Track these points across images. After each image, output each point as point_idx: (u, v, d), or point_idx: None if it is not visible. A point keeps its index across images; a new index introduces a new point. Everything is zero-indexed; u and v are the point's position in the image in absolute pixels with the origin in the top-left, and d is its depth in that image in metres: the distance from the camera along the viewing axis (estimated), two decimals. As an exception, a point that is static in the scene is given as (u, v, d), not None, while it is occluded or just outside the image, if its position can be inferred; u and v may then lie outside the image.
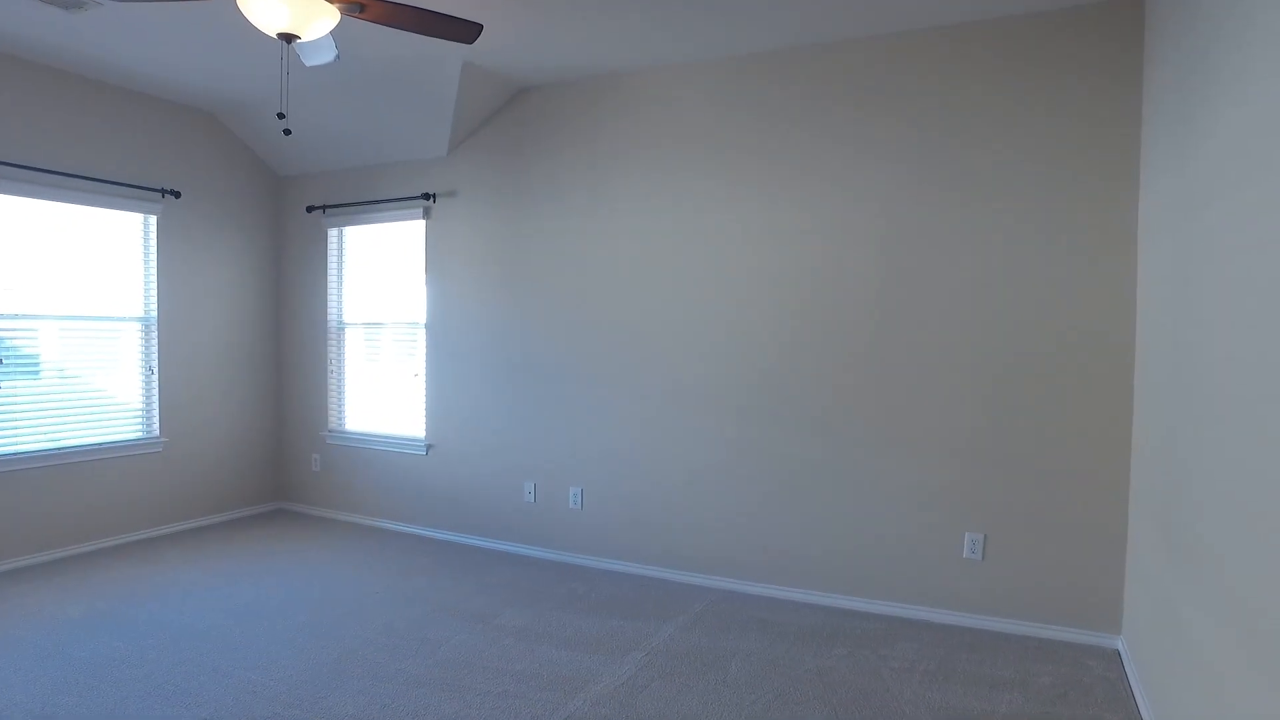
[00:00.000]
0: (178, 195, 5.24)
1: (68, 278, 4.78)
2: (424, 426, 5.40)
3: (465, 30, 3.30)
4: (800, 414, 4.16)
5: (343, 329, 5.79)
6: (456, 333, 5.22)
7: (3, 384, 4.48)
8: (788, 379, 4.19)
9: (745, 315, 4.29)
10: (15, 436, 4.55)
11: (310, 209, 5.76)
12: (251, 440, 5.88)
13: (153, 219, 5.19)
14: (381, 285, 5.62)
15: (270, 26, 2.93)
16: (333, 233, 5.80)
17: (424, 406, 5.40)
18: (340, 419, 5.82)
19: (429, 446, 5.34)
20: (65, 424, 4.79)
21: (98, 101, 4.85)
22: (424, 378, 5.42)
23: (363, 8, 3.16)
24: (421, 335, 5.43)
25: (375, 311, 5.65)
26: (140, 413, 5.19)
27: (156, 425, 5.24)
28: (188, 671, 3.23)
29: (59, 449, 4.72)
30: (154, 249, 5.19)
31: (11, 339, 4.56)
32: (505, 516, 5.07)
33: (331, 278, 5.80)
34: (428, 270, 5.33)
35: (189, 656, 3.37)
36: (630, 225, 4.59)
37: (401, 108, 4.98)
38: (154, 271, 5.20)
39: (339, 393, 5.82)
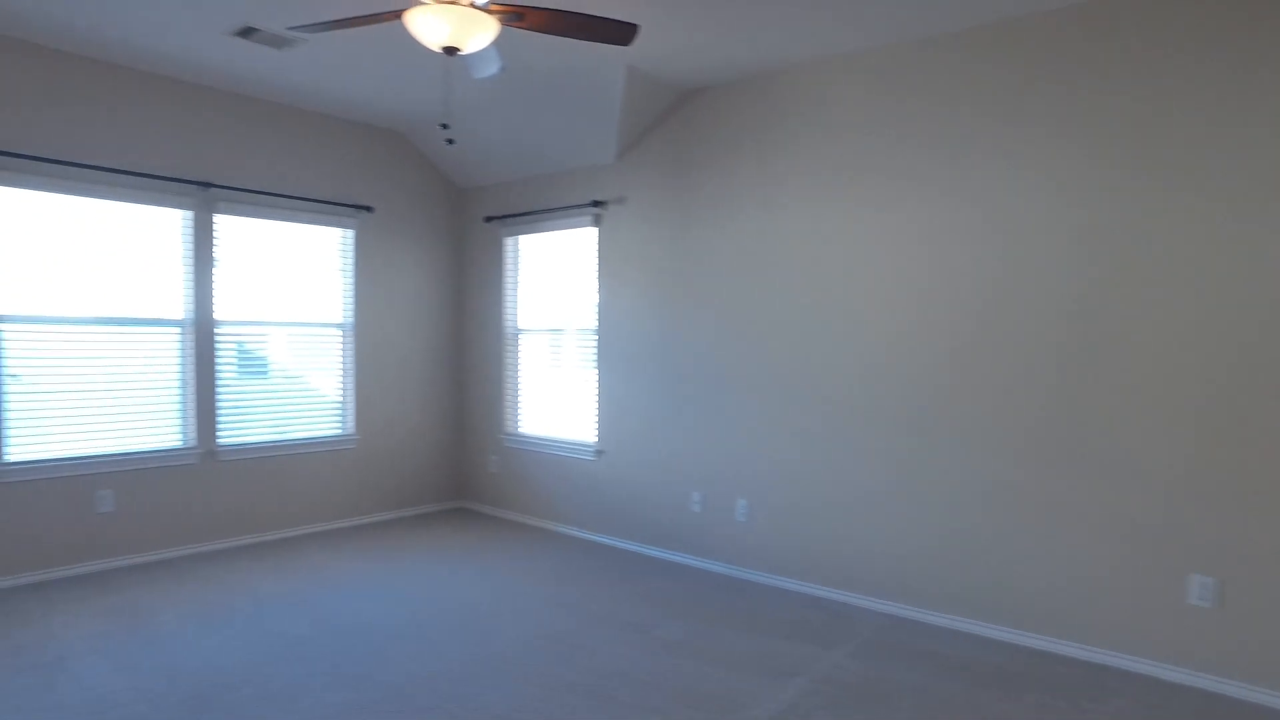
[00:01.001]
0: (371, 210, 5.65)
1: (286, 288, 5.28)
2: (594, 432, 5.46)
3: (621, 32, 3.26)
4: (983, 431, 3.75)
5: (518, 335, 5.98)
6: (626, 339, 5.23)
7: (240, 382, 5.02)
8: (968, 393, 3.79)
9: (923, 321, 3.93)
10: (243, 429, 5.08)
11: (488, 219, 6.01)
12: (435, 440, 6.22)
13: (350, 233, 5.62)
14: (555, 292, 5.75)
15: (433, 41, 3.04)
16: (508, 241, 6.02)
17: (594, 412, 5.46)
18: (516, 422, 6.01)
19: (599, 452, 5.39)
20: (282, 419, 5.29)
21: (304, 127, 5.33)
22: (595, 383, 5.47)
23: (520, 16, 3.20)
24: (593, 341, 5.49)
25: (549, 318, 5.79)
26: (339, 411, 5.63)
27: (352, 423, 5.67)
28: (360, 656, 3.40)
29: (277, 441, 5.23)
30: (351, 260, 5.63)
31: (247, 342, 5.10)
32: (670, 525, 4.99)
33: (507, 285, 6.02)
34: (599, 277, 5.38)
35: (362, 642, 3.55)
36: (800, 227, 4.37)
37: (569, 116, 5.07)
38: (351, 281, 5.63)
39: (514, 397, 6.02)
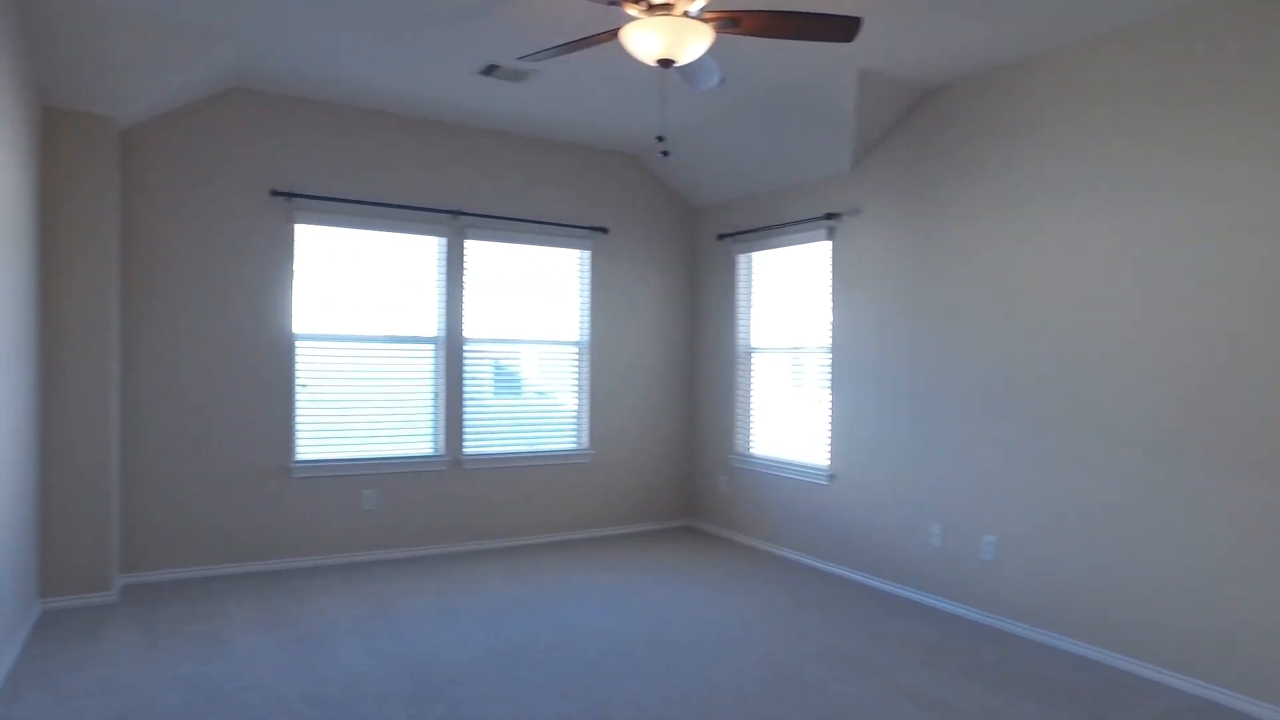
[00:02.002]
0: (606, 231, 5.83)
1: (527, 307, 5.61)
2: (826, 455, 5.17)
3: (844, 28, 3.05)
4: (1318, 466, 2.99)
5: (750, 353, 5.85)
6: (861, 357, 4.90)
7: (484, 395, 5.41)
8: (1296, 417, 3.05)
9: (1203, 338, 3.24)
10: (487, 439, 5.45)
11: (720, 236, 5.97)
12: (666, 458, 6.25)
13: (586, 253, 5.85)
14: (788, 310, 5.56)
15: (648, 55, 3.03)
16: (741, 259, 5.92)
17: (827, 434, 5.17)
18: (747, 442, 5.87)
19: (831, 476, 5.09)
20: (521, 432, 5.60)
21: (543, 155, 5.64)
22: (828, 404, 5.19)
23: (735, 22, 3.11)
24: (827, 360, 5.22)
25: (782, 336, 5.60)
26: (574, 426, 5.84)
27: (587, 438, 5.86)
28: (576, 667, 3.43)
29: (516, 453, 5.53)
30: (587, 280, 5.84)
31: (491, 358, 5.48)
32: (907, 559, 4.57)
33: (740, 303, 5.92)
34: (833, 291, 5.12)
35: (581, 654, 3.58)
36: (1058, 232, 3.82)
37: (799, 127, 4.88)
38: (587, 300, 5.85)
39: (746, 416, 5.88)
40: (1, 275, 3.29)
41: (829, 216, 5.05)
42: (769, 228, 5.54)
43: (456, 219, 5.30)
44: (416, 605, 4.22)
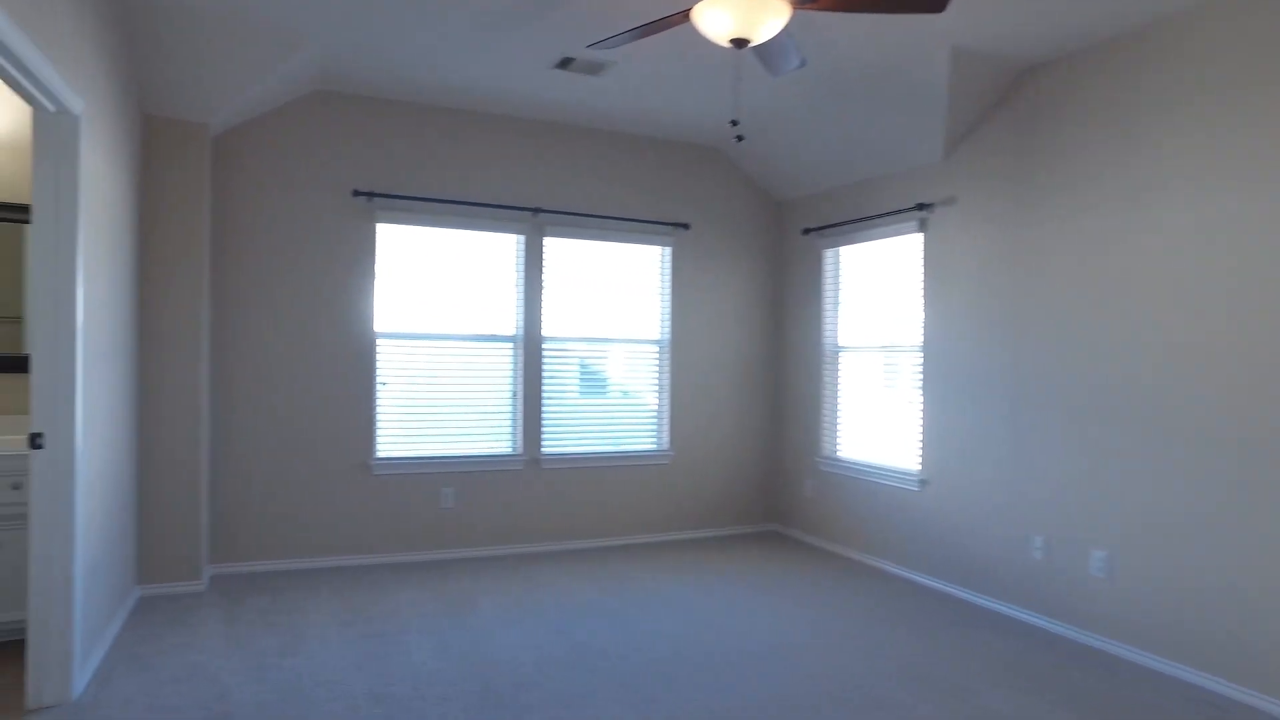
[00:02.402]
0: (687, 227, 5.69)
1: (606, 305, 5.53)
2: (918, 459, 4.88)
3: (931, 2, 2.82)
4: None
5: (837, 352, 5.60)
6: (956, 356, 4.60)
7: (562, 394, 5.36)
8: None
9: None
10: (564, 439, 5.39)
11: (805, 231, 5.74)
12: (749, 460, 6.05)
13: (667, 250, 5.72)
14: (876, 306, 5.28)
15: (720, 35, 2.88)
16: (827, 254, 5.68)
17: (918, 437, 4.89)
18: (833, 445, 5.62)
19: (922, 482, 4.80)
20: (600, 432, 5.52)
21: (622, 150, 5.55)
22: (920, 405, 4.90)
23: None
24: (918, 359, 4.93)
25: (870, 334, 5.33)
26: (654, 426, 5.73)
27: (667, 438, 5.73)
28: (650, 675, 3.30)
29: (595, 453, 5.46)
30: (668, 277, 5.72)
31: (570, 357, 5.43)
32: (1005, 573, 4.25)
33: (826, 300, 5.68)
34: (924, 288, 4.83)
35: (655, 661, 3.45)
36: (1179, 222, 3.45)
37: (888, 113, 4.62)
38: (667, 297, 5.72)
39: (832, 418, 5.63)
40: (107, 280, 3.43)
41: (920, 207, 4.76)
42: (856, 221, 5.28)
43: (535, 216, 5.27)
44: (490, 606, 4.18)
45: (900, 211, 4.93)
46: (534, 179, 5.28)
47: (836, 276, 5.63)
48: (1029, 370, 4.14)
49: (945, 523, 4.63)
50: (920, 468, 4.83)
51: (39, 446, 2.94)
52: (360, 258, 4.84)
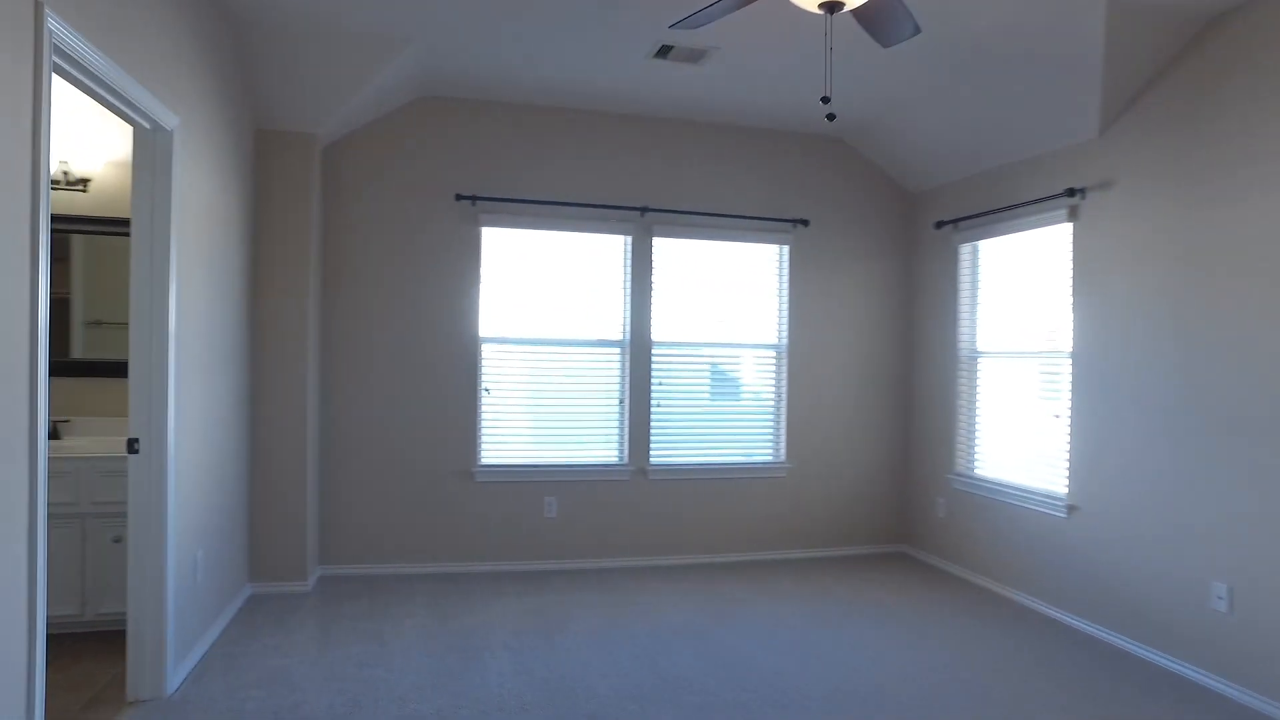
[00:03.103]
0: (806, 224, 5.30)
1: (719, 308, 5.23)
2: (1065, 481, 4.27)
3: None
4: None
5: (975, 358, 5.02)
6: (1111, 364, 3.97)
7: (672, 402, 5.13)
8: None
9: None
10: (674, 448, 5.16)
11: (939, 224, 5.19)
12: (876, 475, 5.57)
13: (785, 248, 5.35)
14: (1019, 307, 4.69)
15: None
16: (964, 249, 5.11)
17: (1066, 456, 4.27)
18: (969, 461, 5.05)
19: (1070, 508, 4.18)
20: (711, 442, 5.24)
21: (733, 143, 5.24)
22: (1067, 420, 4.29)
23: None
24: (1066, 366, 4.32)
25: (1011, 338, 4.74)
26: (770, 437, 5.37)
27: (784, 450, 5.36)
28: (742, 715, 3.00)
29: (705, 464, 5.19)
30: (785, 277, 5.35)
31: (680, 363, 5.18)
32: (1175, 623, 3.59)
33: (963, 300, 5.11)
34: (1074, 285, 4.22)
35: (744, 700, 3.14)
36: None
37: (1030, 85, 4.06)
38: (785, 299, 5.35)
39: (969, 431, 5.06)
40: (210, 289, 3.56)
41: (1070, 193, 4.15)
42: (995, 211, 4.71)
43: (643, 216, 5.06)
44: (580, 624, 4.01)
45: (1046, 199, 4.33)
46: (641, 177, 5.08)
47: (974, 274, 5.06)
48: (1201, 382, 3.48)
49: (1099, 557, 4.00)
50: (1067, 491, 4.22)
51: (135, 451, 3.04)
52: (464, 262, 4.82)
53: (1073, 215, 4.23)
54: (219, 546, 3.74)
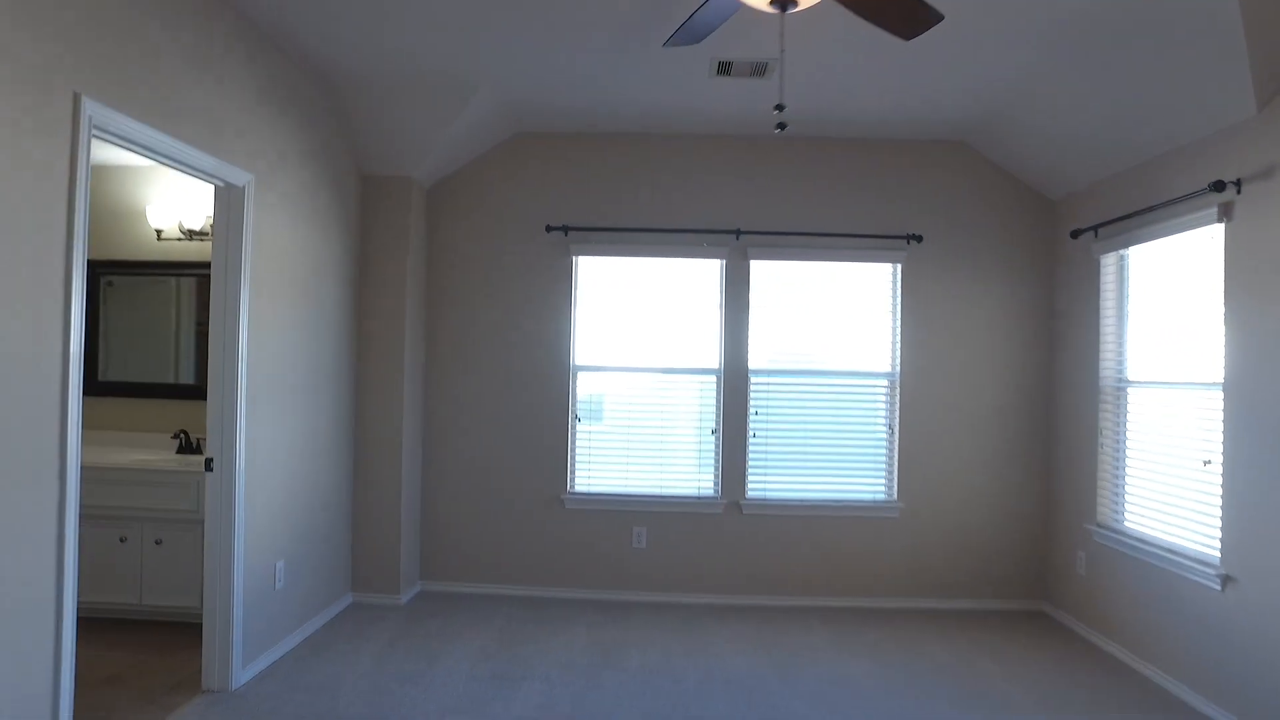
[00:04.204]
0: (919, 240, 4.82)
1: (822, 334, 4.91)
2: (1217, 544, 3.48)
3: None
4: None
5: (1123, 388, 4.26)
6: (1276, 399, 3.20)
7: (769, 433, 4.88)
8: None
9: None
10: (771, 482, 4.90)
11: (1075, 233, 4.48)
12: (1004, 520, 4.88)
13: (895, 267, 4.90)
14: (1173, 325, 3.92)
15: (759, -1, 2.32)
16: (1106, 259, 4.38)
17: (1218, 513, 3.48)
18: (1115, 511, 4.27)
19: (1224, 578, 3.39)
20: (813, 476, 4.89)
21: (831, 156, 4.91)
22: (1219, 466, 3.51)
23: None
24: (1217, 400, 3.54)
25: (1164, 364, 3.97)
26: (879, 473, 4.91)
27: (895, 488, 4.87)
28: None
29: (805, 500, 4.86)
30: (899, 300, 4.89)
31: (779, 392, 4.90)
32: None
33: (1106, 320, 4.37)
34: (1227, 300, 3.46)
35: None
36: None
37: (1167, 65, 3.41)
38: (896, 323, 4.89)
39: (1114, 476, 4.29)
40: (314, 324, 4.00)
41: (1217, 187, 3.42)
42: (1136, 214, 3.99)
43: (738, 239, 4.88)
44: (634, 661, 3.90)
45: (1187, 197, 3.60)
46: (734, 198, 4.91)
47: (1121, 288, 4.31)
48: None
49: (1261, 645, 3.20)
50: (1220, 557, 3.43)
51: (210, 469, 3.46)
52: (558, 291, 4.94)
53: (1224, 214, 3.47)
54: (308, 557, 4.11)
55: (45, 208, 2.44)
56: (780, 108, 2.42)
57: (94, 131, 2.64)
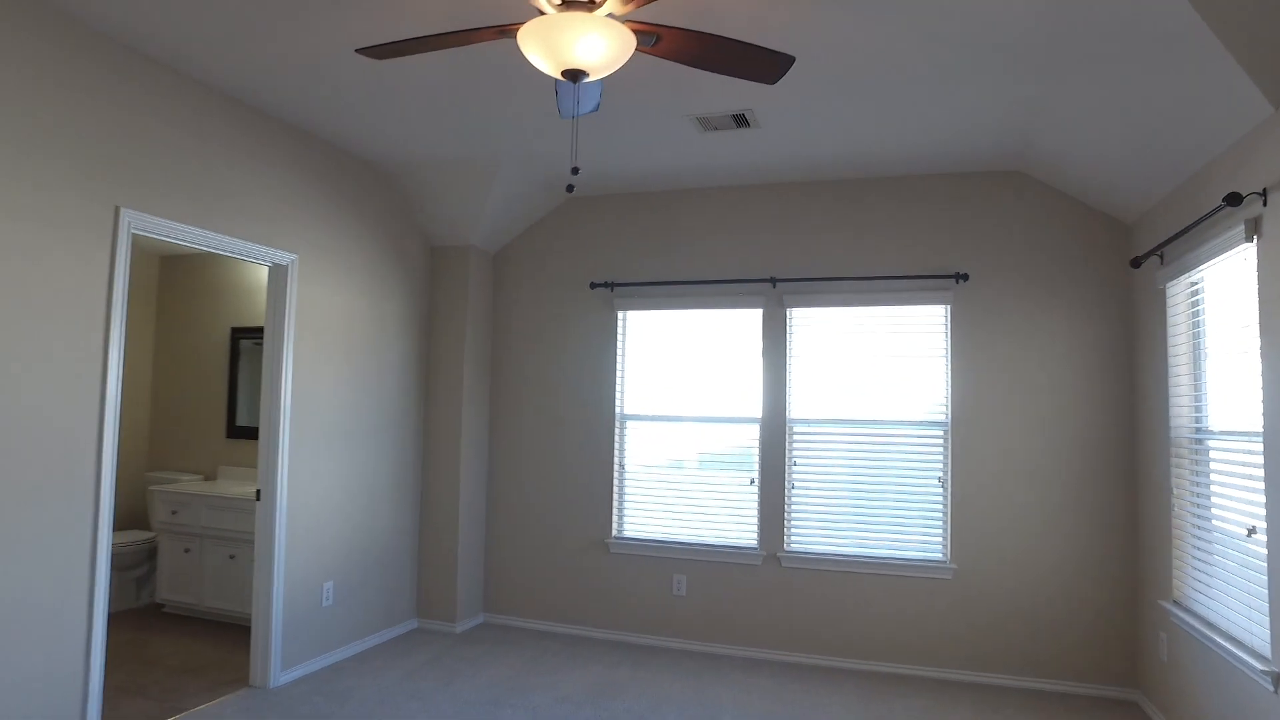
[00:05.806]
0: (965, 278, 4.42)
1: (867, 381, 4.65)
2: (1265, 630, 2.82)
3: (771, 67, 2.21)
4: None
5: (1201, 440, 3.56)
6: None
7: (811, 485, 4.70)
8: None
9: None
10: (812, 536, 4.69)
11: (1135, 262, 3.86)
12: (1080, 591, 4.19)
13: (945, 309, 4.52)
14: (1239, 363, 3.26)
15: (555, 62, 2.42)
16: (1169, 290, 3.72)
17: (1265, 596, 2.83)
18: (1191, 588, 3.55)
19: (1276, 677, 2.75)
20: (857, 532, 4.60)
21: (869, 197, 4.66)
22: (1262, 537, 2.87)
23: (657, 38, 2.39)
24: (1258, 453, 2.91)
25: (1234, 409, 3.29)
26: (930, 531, 4.48)
27: (948, 548, 4.42)
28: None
29: (849, 556, 4.57)
30: (949, 344, 4.50)
31: (823, 443, 4.64)
32: None
33: (1175, 358, 3.70)
34: (1262, 330, 2.87)
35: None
36: None
37: (1168, 65, 2.97)
38: (946, 369, 4.49)
39: (1192, 545, 3.58)
40: (394, 379, 4.71)
41: (1230, 200, 2.86)
42: (1180, 235, 3.39)
43: (774, 287, 4.81)
44: (620, 705, 3.93)
45: (1208, 216, 3.03)
46: (768, 246, 4.85)
47: (1194, 318, 3.64)
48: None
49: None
50: (1272, 652, 2.78)
51: (259, 499, 4.15)
52: (605, 345, 5.17)
53: (1252, 231, 2.90)
54: (362, 581, 4.68)
55: (90, 298, 3.20)
56: (575, 170, 2.52)
57: (134, 232, 3.42)
